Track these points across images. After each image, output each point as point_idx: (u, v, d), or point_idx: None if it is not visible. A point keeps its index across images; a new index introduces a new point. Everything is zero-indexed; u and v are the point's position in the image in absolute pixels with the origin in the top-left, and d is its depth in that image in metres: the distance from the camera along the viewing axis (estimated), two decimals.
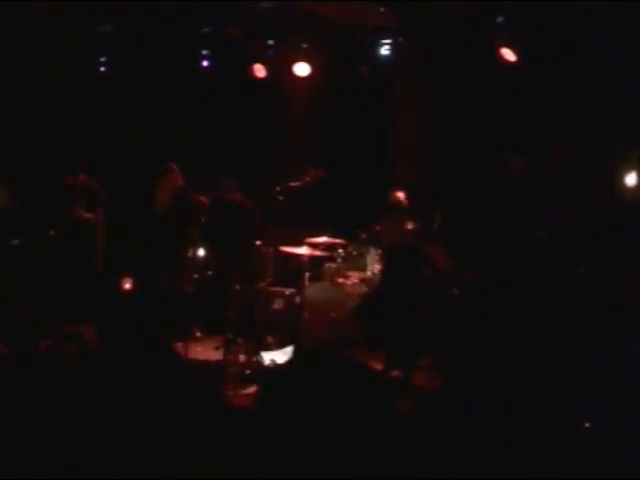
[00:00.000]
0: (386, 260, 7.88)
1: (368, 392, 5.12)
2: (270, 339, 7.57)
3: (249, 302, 7.70)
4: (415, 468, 4.41)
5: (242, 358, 6.90)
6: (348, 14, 8.33)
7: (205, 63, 9.38)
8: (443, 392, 6.17)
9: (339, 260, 8.24)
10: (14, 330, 6.82)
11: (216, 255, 7.88)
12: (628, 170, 7.23)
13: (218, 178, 8.57)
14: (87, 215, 8.17)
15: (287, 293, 7.93)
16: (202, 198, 8.23)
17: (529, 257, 7.41)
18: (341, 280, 8.11)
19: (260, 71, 9.14)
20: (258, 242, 8.04)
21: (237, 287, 7.55)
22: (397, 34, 8.57)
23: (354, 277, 8.14)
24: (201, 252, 7.79)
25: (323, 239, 8.12)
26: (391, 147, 9.35)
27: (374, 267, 8.14)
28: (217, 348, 7.41)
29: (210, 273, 7.81)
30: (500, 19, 7.68)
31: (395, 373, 6.50)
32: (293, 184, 7.94)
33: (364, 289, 8.00)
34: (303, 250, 7.81)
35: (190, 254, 7.68)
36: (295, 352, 7.09)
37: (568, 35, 7.30)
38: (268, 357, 7.00)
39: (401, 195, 8.40)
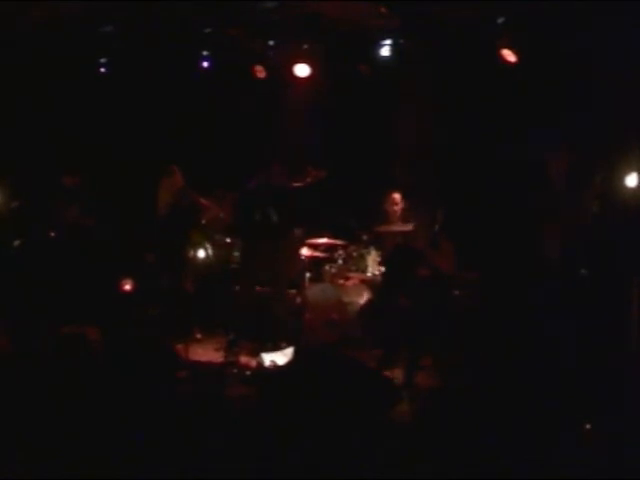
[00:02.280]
0: (386, 261, 7.88)
1: (368, 393, 5.13)
2: (271, 340, 7.58)
3: (250, 303, 7.70)
4: (415, 468, 4.41)
5: (243, 359, 6.92)
6: (349, 14, 8.31)
7: (205, 64, 9.38)
8: (443, 392, 6.17)
9: (340, 261, 8.23)
10: (14, 330, 6.84)
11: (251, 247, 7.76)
12: (629, 170, 7.21)
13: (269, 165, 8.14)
14: (86, 216, 8.17)
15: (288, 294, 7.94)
16: (202, 200, 8.24)
17: (530, 258, 7.41)
18: (342, 281, 8.10)
19: (260, 72, 9.14)
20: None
21: (237, 288, 7.55)
22: (398, 35, 8.56)
23: (355, 278, 8.12)
24: (201, 253, 7.78)
25: (324, 240, 8.11)
26: (392, 147, 9.34)
27: (375, 268, 8.12)
28: (218, 349, 7.42)
29: (233, 267, 7.74)
30: (501, 20, 7.68)
31: (397, 373, 6.49)
32: (294, 184, 7.94)
33: (365, 290, 7.98)
34: (304, 251, 7.80)
35: (191, 255, 7.67)
36: (296, 353, 7.08)
37: (568, 35, 7.30)
38: (268, 358, 6.99)
39: (397, 196, 8.35)
